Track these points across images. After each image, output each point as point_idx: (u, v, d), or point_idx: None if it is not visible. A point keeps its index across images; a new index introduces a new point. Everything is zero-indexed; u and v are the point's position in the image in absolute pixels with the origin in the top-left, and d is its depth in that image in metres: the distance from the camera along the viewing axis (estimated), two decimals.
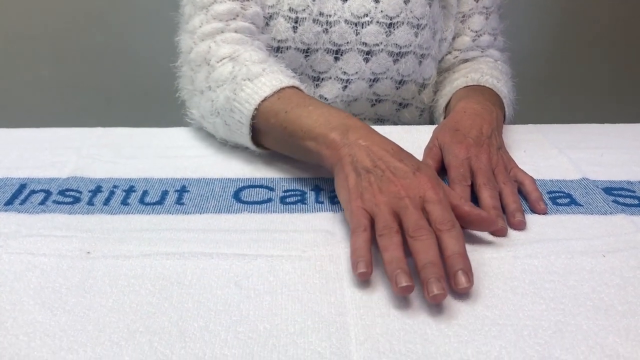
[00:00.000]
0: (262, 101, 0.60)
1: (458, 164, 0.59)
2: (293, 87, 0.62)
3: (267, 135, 0.62)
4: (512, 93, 0.80)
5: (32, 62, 1.62)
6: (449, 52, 0.87)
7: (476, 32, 0.85)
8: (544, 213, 0.56)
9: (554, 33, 1.75)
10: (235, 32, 0.70)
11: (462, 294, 0.43)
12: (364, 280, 0.44)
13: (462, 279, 0.42)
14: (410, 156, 0.52)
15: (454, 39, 0.86)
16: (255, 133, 0.62)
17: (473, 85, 0.77)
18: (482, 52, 0.86)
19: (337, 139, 0.53)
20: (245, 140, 0.63)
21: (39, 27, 1.58)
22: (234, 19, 0.70)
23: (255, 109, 0.60)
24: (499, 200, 0.56)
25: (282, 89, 0.60)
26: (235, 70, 0.63)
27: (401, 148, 0.53)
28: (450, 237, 0.44)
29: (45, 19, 1.58)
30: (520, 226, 0.53)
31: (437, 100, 0.86)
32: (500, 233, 0.52)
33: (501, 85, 0.78)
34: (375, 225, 0.46)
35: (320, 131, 0.55)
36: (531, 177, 0.60)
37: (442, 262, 0.43)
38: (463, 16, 0.85)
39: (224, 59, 0.66)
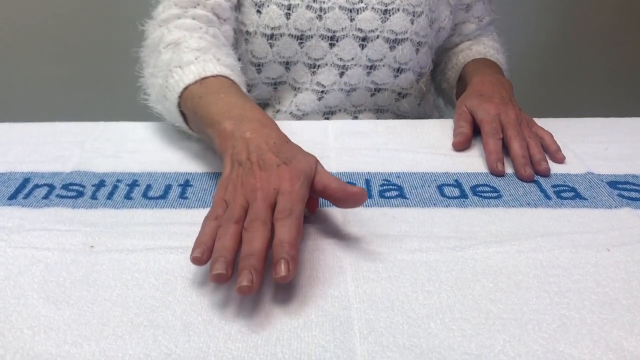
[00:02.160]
0: (185, 88, 0.61)
1: (490, 119, 0.67)
2: (220, 75, 0.62)
3: (189, 120, 0.63)
4: (507, 63, 0.90)
5: (35, 57, 1.63)
6: (451, 35, 0.91)
7: (478, 17, 0.91)
8: (562, 162, 0.64)
9: (557, 27, 1.75)
10: (193, 19, 0.71)
11: (282, 284, 0.42)
12: (196, 265, 0.42)
13: (281, 268, 0.40)
14: (290, 149, 0.50)
15: (457, 25, 0.90)
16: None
17: (480, 58, 0.86)
18: (483, 30, 0.93)
19: (228, 129, 0.53)
20: (182, 125, 0.64)
21: (41, 22, 1.58)
22: (194, 7, 0.72)
23: (179, 96, 0.61)
24: (527, 150, 0.63)
25: (207, 77, 0.61)
26: (173, 58, 0.65)
27: (286, 142, 0.52)
28: (282, 226, 0.43)
29: (47, 13, 1.58)
30: (546, 172, 0.62)
31: (444, 73, 0.93)
32: (528, 178, 0.60)
33: (500, 56, 0.89)
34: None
35: (217, 119, 0.55)
36: (549, 132, 0.68)
37: (265, 254, 0.41)
38: (467, 6, 0.89)
39: (169, 45, 0.67)
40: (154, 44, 0.69)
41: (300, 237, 0.43)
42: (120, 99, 1.65)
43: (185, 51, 0.65)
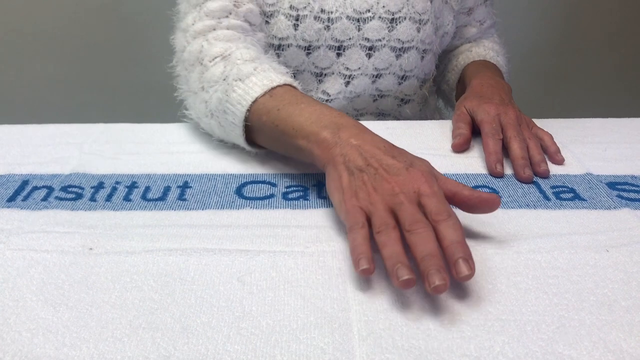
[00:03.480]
0: (254, 102, 0.59)
1: (490, 120, 0.67)
2: (285, 84, 0.60)
3: (260, 134, 0.61)
4: (508, 65, 0.91)
5: (34, 59, 1.63)
6: (452, 38, 0.91)
7: (480, 21, 0.91)
8: (562, 164, 0.64)
9: (558, 28, 1.75)
10: (227, 29, 0.69)
11: (464, 282, 0.42)
12: (366, 277, 0.43)
13: (463, 267, 0.41)
14: (403, 152, 0.51)
15: (458, 28, 0.90)
16: (250, 132, 0.61)
17: (479, 61, 0.87)
18: (483, 33, 0.93)
19: (329, 138, 0.52)
20: (240, 141, 0.62)
21: (41, 23, 1.58)
22: (227, 16, 0.70)
23: (247, 110, 0.59)
24: (527, 152, 0.63)
25: (274, 87, 0.59)
26: (227, 70, 0.62)
27: (393, 145, 0.52)
28: (447, 227, 0.43)
29: (47, 15, 1.58)
30: (546, 174, 0.61)
31: (444, 75, 0.93)
32: (527, 180, 0.60)
33: (500, 58, 0.89)
34: (372, 223, 0.45)
35: (311, 129, 0.54)
36: (549, 133, 0.68)
37: (441, 253, 0.42)
38: (469, 10, 0.89)
39: (216, 57, 0.65)
40: (194, 58, 0.67)
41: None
42: (119, 100, 1.65)
43: (238, 63, 0.62)
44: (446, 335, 0.39)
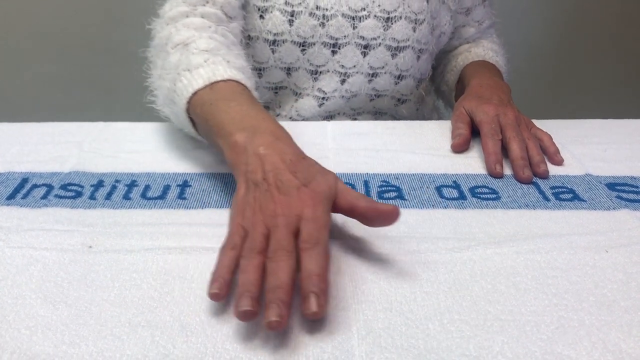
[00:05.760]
0: (194, 93, 0.58)
1: (489, 120, 0.67)
2: (231, 80, 0.59)
3: (198, 127, 0.60)
4: (507, 65, 0.91)
5: (34, 57, 1.63)
6: (451, 39, 0.91)
7: (478, 21, 0.91)
8: (561, 164, 0.64)
9: (558, 28, 1.75)
10: (201, 17, 0.68)
11: (313, 320, 0.39)
12: (215, 301, 0.41)
13: (312, 304, 0.37)
14: (307, 167, 0.48)
15: (456, 29, 0.90)
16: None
17: (478, 61, 0.87)
18: (482, 33, 0.94)
19: (240, 142, 0.50)
20: (191, 131, 0.61)
21: (41, 22, 1.58)
22: (204, 4, 0.69)
23: (187, 102, 0.58)
24: (526, 152, 0.63)
25: (217, 81, 0.58)
26: (181, 60, 0.61)
27: (303, 157, 0.49)
28: (308, 257, 0.40)
29: (47, 14, 1.58)
30: (545, 175, 0.61)
31: (444, 75, 0.93)
32: (527, 180, 0.60)
33: (499, 58, 0.89)
34: (244, 245, 0.43)
35: (229, 129, 0.52)
36: (548, 134, 0.68)
37: (292, 286, 0.39)
38: (467, 10, 0.89)
39: (177, 45, 0.64)
40: (162, 44, 0.66)
41: (328, 268, 0.41)
42: (118, 99, 1.65)
43: (194, 52, 0.61)
44: (445, 335, 0.39)
